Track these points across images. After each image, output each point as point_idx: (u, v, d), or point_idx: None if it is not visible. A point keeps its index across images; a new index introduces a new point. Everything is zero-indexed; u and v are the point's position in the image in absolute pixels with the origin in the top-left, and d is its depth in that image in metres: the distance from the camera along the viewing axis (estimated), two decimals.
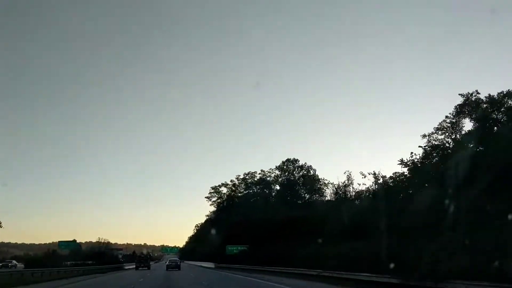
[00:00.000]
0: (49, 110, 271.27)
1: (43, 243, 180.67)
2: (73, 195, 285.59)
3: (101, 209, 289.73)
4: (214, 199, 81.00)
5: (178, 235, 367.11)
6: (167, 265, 58.02)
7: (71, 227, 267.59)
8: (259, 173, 71.36)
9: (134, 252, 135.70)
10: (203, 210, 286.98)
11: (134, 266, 66.24)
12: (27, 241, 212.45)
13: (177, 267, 55.13)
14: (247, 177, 73.46)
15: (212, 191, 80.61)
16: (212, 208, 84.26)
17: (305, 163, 63.36)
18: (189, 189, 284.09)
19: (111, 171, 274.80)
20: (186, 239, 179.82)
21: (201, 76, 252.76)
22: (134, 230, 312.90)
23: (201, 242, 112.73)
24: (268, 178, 68.39)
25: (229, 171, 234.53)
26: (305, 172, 62.14)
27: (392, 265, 18.86)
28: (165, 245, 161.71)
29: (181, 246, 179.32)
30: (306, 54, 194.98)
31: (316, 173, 62.43)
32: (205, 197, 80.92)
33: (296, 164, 62.92)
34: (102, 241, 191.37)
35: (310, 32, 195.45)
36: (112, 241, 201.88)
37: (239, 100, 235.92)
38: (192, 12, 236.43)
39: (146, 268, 61.91)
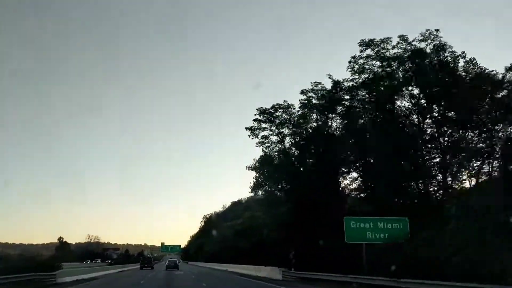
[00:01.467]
0: (39, 106, 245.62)
1: (41, 243, 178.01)
2: (70, 194, 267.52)
3: (98, 209, 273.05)
4: (263, 133, 40.20)
5: (180, 234, 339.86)
6: (166, 265, 64.30)
7: (68, 227, 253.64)
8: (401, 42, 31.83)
9: (127, 251, 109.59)
10: (207, 205, 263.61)
11: (138, 267, 72.11)
12: (25, 241, 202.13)
13: (176, 266, 62.53)
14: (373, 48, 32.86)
15: (260, 117, 39.94)
16: (257, 153, 47.56)
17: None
18: (188, 186, 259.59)
19: (110, 170, 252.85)
20: (189, 238, 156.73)
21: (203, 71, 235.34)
22: (135, 230, 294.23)
23: (212, 237, 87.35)
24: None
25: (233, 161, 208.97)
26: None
27: None
28: (165, 244, 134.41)
29: (183, 245, 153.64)
30: None
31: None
32: (247, 129, 39.49)
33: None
34: (92, 240, 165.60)
35: None
36: (112, 241, 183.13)
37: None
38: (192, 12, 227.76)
39: (150, 268, 67.09)
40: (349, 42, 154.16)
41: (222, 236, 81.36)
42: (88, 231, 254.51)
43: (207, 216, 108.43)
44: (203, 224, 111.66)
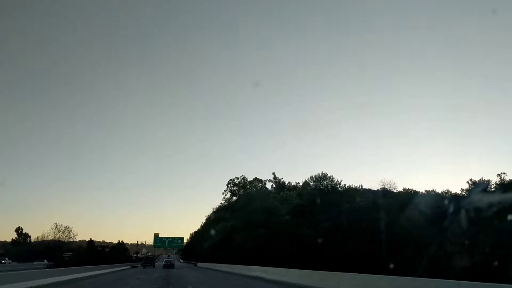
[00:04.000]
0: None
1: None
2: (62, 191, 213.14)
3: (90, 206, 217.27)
4: None
5: (179, 233, 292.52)
6: (163, 264, 65.40)
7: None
8: None
9: (90, 243, 65.76)
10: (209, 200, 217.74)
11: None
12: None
13: (172, 265, 62.61)
14: None
15: None
16: None
17: None
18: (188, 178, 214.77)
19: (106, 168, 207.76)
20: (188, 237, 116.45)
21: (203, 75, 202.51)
22: (130, 228, 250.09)
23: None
24: None
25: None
26: None
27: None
28: (160, 235, 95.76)
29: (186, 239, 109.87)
30: None
31: None
32: None
33: None
34: (61, 231, 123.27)
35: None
36: (108, 240, 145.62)
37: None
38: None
39: (152, 267, 66.70)
40: None
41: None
42: (82, 230, 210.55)
43: (237, 181, 61.44)
44: (228, 196, 65.01)
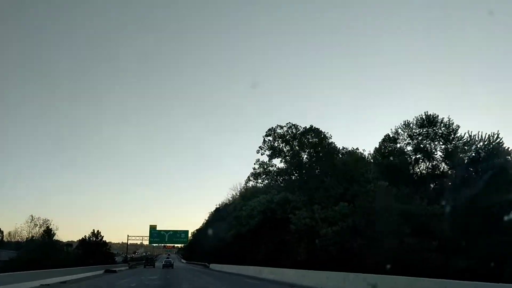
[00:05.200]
0: None
1: None
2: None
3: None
4: None
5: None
6: (163, 264, 65.07)
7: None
8: None
9: (49, 231, 44.10)
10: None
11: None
12: None
13: (171, 265, 63.28)
14: None
15: None
16: None
17: None
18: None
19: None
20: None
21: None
22: (124, 228, 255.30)
23: None
24: None
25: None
26: None
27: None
28: (158, 229, 75.40)
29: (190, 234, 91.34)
30: None
31: None
32: None
33: None
34: (39, 224, 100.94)
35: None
36: (107, 239, 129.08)
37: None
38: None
39: (152, 267, 67.89)
40: None
41: None
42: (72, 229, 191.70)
43: (281, 132, 38.85)
44: (266, 157, 42.41)
